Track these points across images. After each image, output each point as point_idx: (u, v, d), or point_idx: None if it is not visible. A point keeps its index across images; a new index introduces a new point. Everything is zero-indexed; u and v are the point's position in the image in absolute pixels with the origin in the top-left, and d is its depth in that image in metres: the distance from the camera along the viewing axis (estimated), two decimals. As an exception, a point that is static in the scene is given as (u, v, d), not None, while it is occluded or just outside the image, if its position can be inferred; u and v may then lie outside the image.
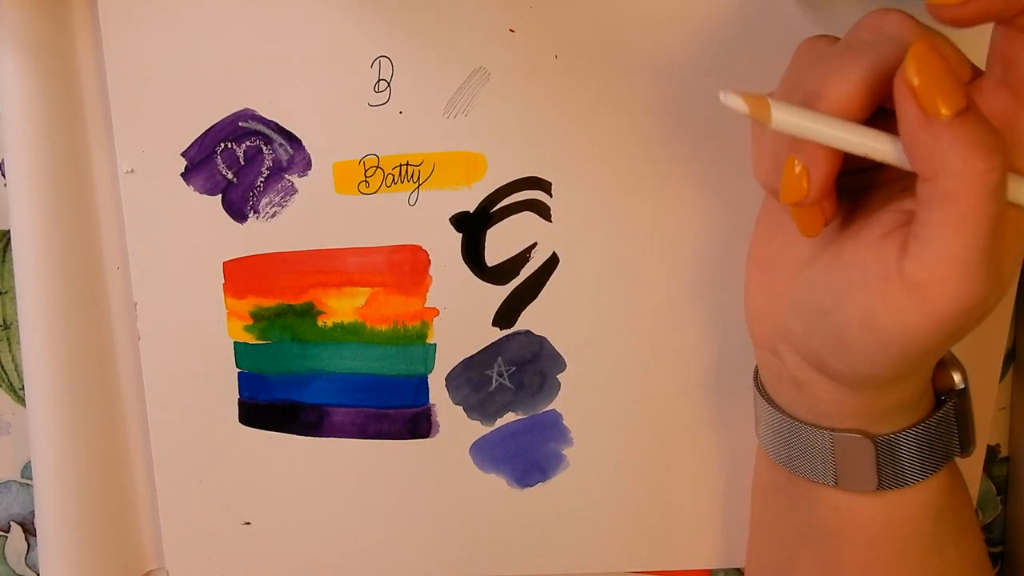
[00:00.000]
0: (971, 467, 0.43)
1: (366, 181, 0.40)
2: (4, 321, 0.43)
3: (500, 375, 0.42)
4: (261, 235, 0.41)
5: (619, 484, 0.43)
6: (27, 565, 0.46)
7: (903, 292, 0.26)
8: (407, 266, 0.41)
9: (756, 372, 0.35)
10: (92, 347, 0.41)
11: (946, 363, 0.33)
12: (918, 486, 0.32)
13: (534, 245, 0.41)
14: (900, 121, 0.25)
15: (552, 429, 0.43)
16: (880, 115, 0.28)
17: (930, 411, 0.32)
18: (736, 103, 0.26)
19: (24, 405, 0.42)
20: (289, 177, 0.40)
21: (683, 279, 0.41)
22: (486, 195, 0.40)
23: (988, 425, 0.43)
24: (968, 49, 0.29)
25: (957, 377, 0.33)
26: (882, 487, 0.32)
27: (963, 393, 0.33)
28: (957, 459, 0.34)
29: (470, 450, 0.43)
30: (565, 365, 0.42)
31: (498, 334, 0.42)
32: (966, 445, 0.33)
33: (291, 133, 0.39)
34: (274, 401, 0.42)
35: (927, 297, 0.26)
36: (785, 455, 0.33)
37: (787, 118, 0.26)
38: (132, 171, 0.40)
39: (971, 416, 0.33)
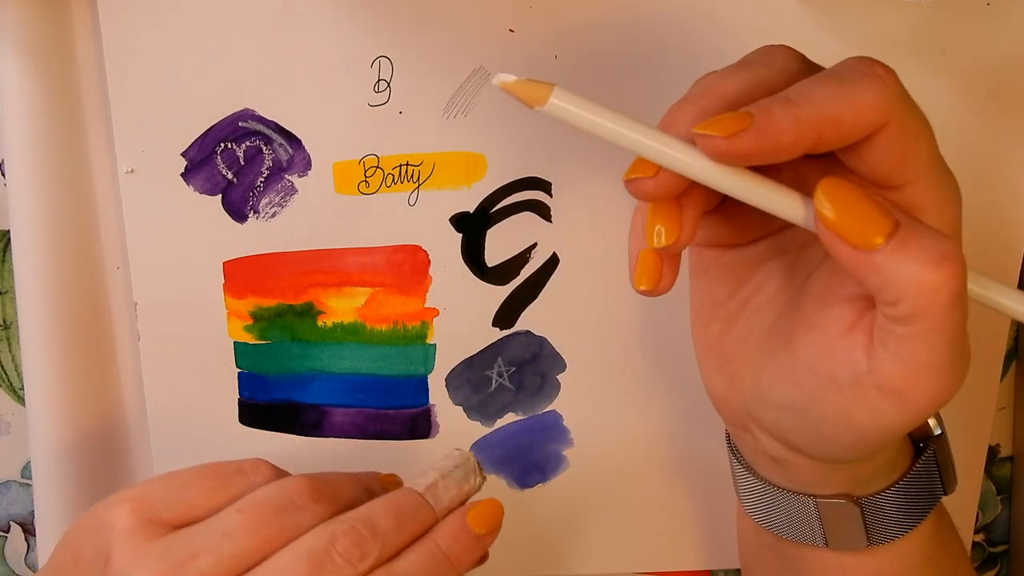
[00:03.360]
0: (972, 468, 0.43)
1: (366, 181, 0.40)
2: (4, 321, 0.43)
3: (500, 375, 0.42)
4: (261, 235, 0.41)
5: (619, 485, 0.43)
6: (27, 565, 0.46)
7: (879, 396, 0.26)
8: (407, 266, 0.41)
9: (728, 436, 0.34)
10: (92, 347, 0.41)
11: None
12: (907, 536, 0.31)
13: (534, 245, 0.41)
14: (840, 261, 0.25)
15: (552, 430, 0.43)
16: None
17: (911, 463, 0.32)
18: (514, 85, 0.26)
19: (24, 405, 0.42)
20: (289, 177, 0.40)
21: (683, 279, 0.41)
22: (486, 195, 0.40)
23: (989, 425, 0.43)
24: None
25: (932, 422, 0.32)
26: (872, 544, 0.31)
27: (940, 437, 0.32)
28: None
29: (470, 451, 0.43)
30: (565, 365, 0.42)
31: (498, 334, 0.42)
32: (948, 486, 0.33)
33: (291, 133, 0.39)
34: (274, 401, 0.42)
35: (904, 399, 0.26)
36: (770, 519, 0.33)
37: (566, 106, 0.26)
38: (132, 171, 0.40)
39: (951, 457, 0.33)
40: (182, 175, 0.40)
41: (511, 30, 0.38)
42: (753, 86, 0.26)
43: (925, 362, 0.25)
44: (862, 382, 0.26)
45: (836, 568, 0.32)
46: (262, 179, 0.40)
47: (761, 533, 0.34)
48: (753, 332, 0.30)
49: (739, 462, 0.33)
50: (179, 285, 0.41)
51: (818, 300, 0.28)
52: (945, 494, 0.33)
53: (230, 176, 0.40)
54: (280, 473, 0.32)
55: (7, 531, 0.45)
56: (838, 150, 0.26)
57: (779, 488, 0.32)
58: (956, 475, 0.33)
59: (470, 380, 0.42)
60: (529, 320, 0.41)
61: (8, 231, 0.40)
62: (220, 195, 0.40)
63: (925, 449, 0.32)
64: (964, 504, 0.44)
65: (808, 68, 0.27)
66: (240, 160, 0.40)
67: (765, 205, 0.26)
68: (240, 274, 0.41)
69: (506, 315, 0.41)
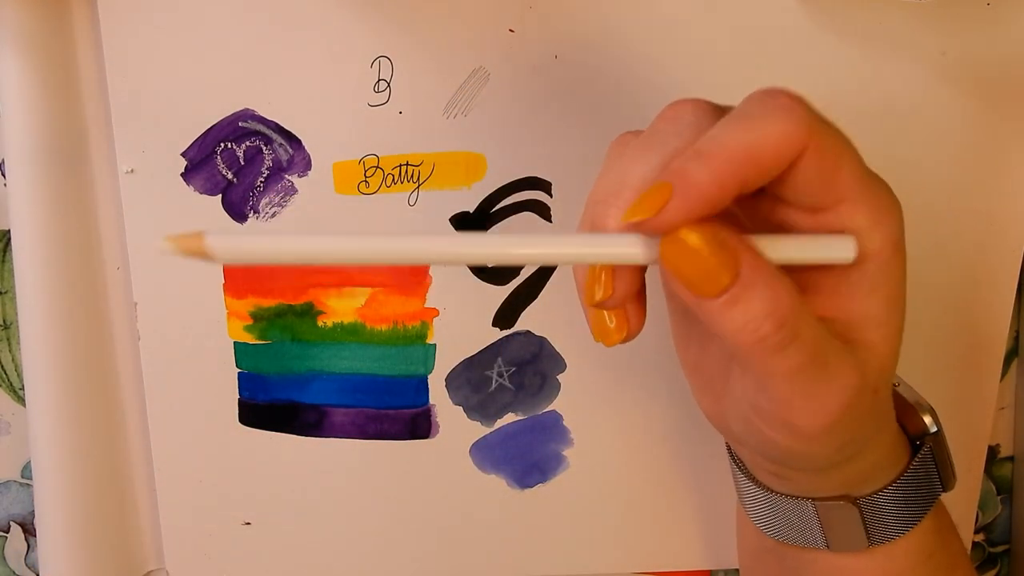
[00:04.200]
0: (972, 468, 0.43)
1: (366, 181, 0.40)
2: (4, 321, 0.43)
3: (500, 375, 0.42)
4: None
5: (619, 485, 0.43)
6: (27, 565, 0.46)
7: (777, 425, 0.27)
8: (407, 266, 0.41)
9: (728, 444, 0.35)
10: (92, 347, 0.41)
11: (914, 407, 0.33)
12: (907, 535, 0.32)
13: (534, 245, 0.41)
14: (684, 302, 0.26)
15: (552, 430, 0.43)
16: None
17: (908, 461, 0.32)
18: (169, 246, 0.23)
19: (24, 405, 0.42)
20: (289, 177, 0.40)
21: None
22: (486, 195, 0.40)
23: (989, 425, 0.43)
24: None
25: (928, 420, 0.33)
26: (872, 544, 0.31)
27: (937, 435, 0.32)
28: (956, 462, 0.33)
29: (470, 451, 0.43)
30: (565, 366, 0.42)
31: (498, 334, 0.42)
32: (947, 483, 0.33)
33: (291, 133, 0.39)
34: (274, 401, 0.42)
35: (791, 429, 0.26)
36: (771, 524, 0.33)
37: (230, 247, 0.24)
38: (132, 171, 0.40)
39: (948, 454, 0.33)
40: (182, 175, 0.40)
41: (511, 30, 0.38)
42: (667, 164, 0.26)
43: (781, 399, 0.26)
44: (760, 412, 0.27)
45: (837, 569, 0.33)
46: (262, 179, 0.40)
47: (762, 537, 0.34)
48: (717, 351, 0.30)
49: (740, 470, 0.33)
50: (179, 285, 0.41)
51: None
52: (944, 491, 0.33)
53: (230, 176, 0.40)
54: None
55: (7, 531, 0.45)
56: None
57: (779, 494, 0.32)
58: (955, 472, 0.33)
59: (470, 380, 0.42)
60: (529, 320, 0.41)
61: (8, 231, 0.40)
62: (220, 195, 0.40)
63: (921, 447, 0.32)
64: (964, 504, 0.44)
65: (719, 117, 0.27)
66: (240, 160, 0.40)
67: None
68: (240, 274, 0.41)
69: (506, 315, 0.41)
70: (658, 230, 0.25)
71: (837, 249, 0.26)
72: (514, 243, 0.26)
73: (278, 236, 0.25)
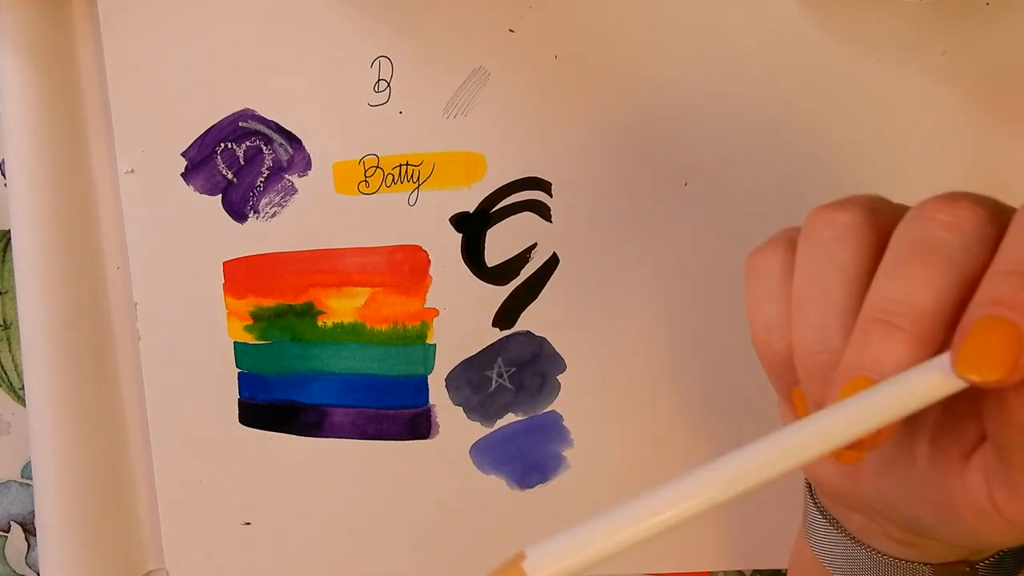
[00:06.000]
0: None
1: (366, 181, 0.40)
2: (4, 321, 0.43)
3: (500, 376, 0.42)
4: (261, 235, 0.41)
5: (619, 485, 0.43)
6: (27, 565, 0.46)
7: (1003, 523, 0.24)
8: (407, 266, 0.41)
9: (813, 496, 0.31)
10: (92, 347, 0.41)
11: None
12: None
13: (534, 245, 0.41)
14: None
15: (552, 430, 0.43)
16: None
17: None
18: None
19: (24, 405, 0.42)
20: (289, 177, 0.40)
21: (683, 279, 0.41)
22: (486, 195, 0.40)
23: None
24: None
25: None
26: None
27: None
28: None
29: (470, 451, 0.43)
30: (565, 366, 0.42)
31: (498, 335, 0.42)
32: None
33: (291, 133, 0.39)
34: (274, 401, 0.42)
35: None
36: None
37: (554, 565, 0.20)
38: (132, 171, 0.40)
39: None
40: (182, 175, 0.40)
41: (511, 30, 0.38)
42: (961, 288, 0.22)
43: None
44: (986, 510, 0.24)
45: None
46: (262, 179, 0.40)
47: None
48: None
49: (837, 530, 0.31)
50: (179, 285, 0.41)
51: (940, 408, 0.26)
52: None
53: (230, 176, 0.40)
54: None
55: (7, 531, 0.45)
56: None
57: (890, 557, 0.30)
58: None
59: (470, 380, 0.42)
60: (529, 320, 0.41)
61: (8, 231, 0.40)
62: (220, 195, 0.40)
63: None
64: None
65: (999, 220, 0.23)
66: (240, 160, 0.40)
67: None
68: (240, 274, 0.41)
69: (506, 315, 0.41)
70: (1008, 385, 0.21)
71: None
72: (833, 424, 0.22)
73: (599, 526, 0.21)
